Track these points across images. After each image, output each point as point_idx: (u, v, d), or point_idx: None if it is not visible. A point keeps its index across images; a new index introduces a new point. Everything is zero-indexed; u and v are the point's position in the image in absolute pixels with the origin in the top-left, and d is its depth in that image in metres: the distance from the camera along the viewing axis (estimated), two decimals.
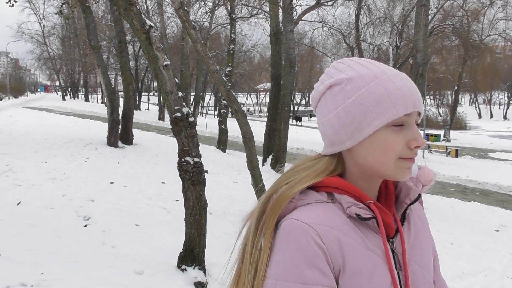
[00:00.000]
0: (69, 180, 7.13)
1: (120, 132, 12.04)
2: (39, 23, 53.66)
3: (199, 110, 43.53)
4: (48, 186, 6.56)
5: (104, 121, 21.24)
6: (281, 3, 11.82)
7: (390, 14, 29.45)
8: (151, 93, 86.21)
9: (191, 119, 3.66)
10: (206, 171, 9.86)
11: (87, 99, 55.57)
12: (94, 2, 11.76)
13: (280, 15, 12.02)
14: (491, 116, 74.78)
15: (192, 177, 3.63)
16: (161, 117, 35.46)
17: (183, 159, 3.63)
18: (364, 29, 29.27)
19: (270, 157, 12.45)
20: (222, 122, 15.94)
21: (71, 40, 53.93)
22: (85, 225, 4.99)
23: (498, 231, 8.24)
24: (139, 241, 4.58)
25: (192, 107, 36.27)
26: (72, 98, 59.17)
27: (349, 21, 29.61)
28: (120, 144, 11.89)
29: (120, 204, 6.06)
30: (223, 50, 41.45)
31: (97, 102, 59.51)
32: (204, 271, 3.88)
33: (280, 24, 11.84)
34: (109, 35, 38.75)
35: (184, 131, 3.61)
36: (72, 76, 60.89)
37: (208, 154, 13.77)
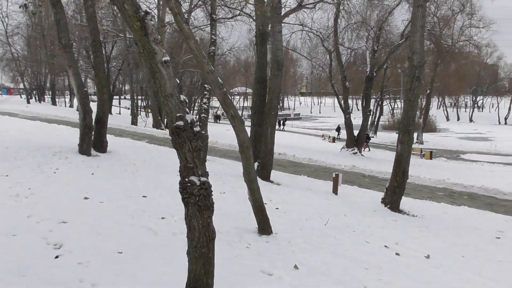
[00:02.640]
0: (36, 197, 6.20)
1: (93, 139, 11.07)
2: (2, 21, 51.07)
3: None
4: (9, 206, 5.63)
5: (75, 127, 20.00)
6: (266, 2, 11.19)
7: (367, 19, 29.37)
8: (122, 97, 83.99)
9: (197, 128, 2.93)
10: None
11: (54, 103, 53.30)
12: None
13: (268, 14, 11.37)
14: (458, 119, 76.87)
15: (199, 201, 2.90)
16: (134, 122, 34.21)
17: (187, 179, 2.89)
18: (342, 33, 29.10)
19: (256, 163, 11.76)
20: (202, 127, 15.12)
21: (38, 40, 51.65)
22: (56, 256, 4.13)
23: (499, 238, 7.85)
24: (127, 276, 3.77)
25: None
26: (38, 102, 56.61)
27: (328, 25, 29.35)
28: (93, 152, 10.93)
29: (97, 226, 5.21)
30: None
31: (65, 106, 57.30)
32: None
33: (269, 26, 11.19)
34: (79, 36, 37.15)
35: (188, 143, 2.87)
36: (38, 78, 58.30)
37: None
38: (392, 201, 9.12)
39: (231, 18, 19.12)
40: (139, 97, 48.73)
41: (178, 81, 3.03)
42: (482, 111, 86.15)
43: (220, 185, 9.65)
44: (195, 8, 21.45)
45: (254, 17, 20.94)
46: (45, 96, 61.36)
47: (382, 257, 5.30)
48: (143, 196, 7.19)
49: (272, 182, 11.54)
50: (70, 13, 36.38)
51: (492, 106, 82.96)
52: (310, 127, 62.56)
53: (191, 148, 2.87)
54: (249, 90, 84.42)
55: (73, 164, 9.28)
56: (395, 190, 9.13)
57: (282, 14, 19.19)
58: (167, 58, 2.96)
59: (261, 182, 11.29)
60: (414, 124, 9.29)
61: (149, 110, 53.74)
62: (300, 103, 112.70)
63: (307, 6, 22.14)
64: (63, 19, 10.11)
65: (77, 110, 10.64)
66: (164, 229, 5.45)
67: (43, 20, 50.00)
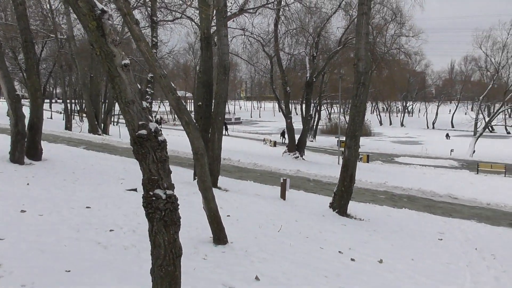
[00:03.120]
0: None
1: (27, 146, 10.24)
2: None
3: (111, 119, 40.67)
4: None
5: (2, 133, 18.50)
6: (212, 5, 11.05)
7: (306, 25, 30.12)
8: (53, 100, 79.34)
9: (161, 137, 2.74)
10: (135, 190, 8.65)
11: None
12: None
13: (212, 17, 11.23)
14: (391, 123, 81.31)
15: (165, 216, 2.71)
16: (68, 127, 32.38)
17: (151, 193, 2.69)
18: (282, 38, 29.62)
19: None
20: None
21: None
22: None
23: (441, 239, 8.30)
24: None
25: (102, 116, 33.71)
26: None
27: (268, 30, 29.70)
28: (26, 160, 10.11)
29: (39, 242, 4.78)
30: (136, 56, 39.42)
31: None
32: None
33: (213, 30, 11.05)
34: (4, 36, 34.53)
35: (152, 154, 2.68)
36: None
37: (131, 168, 12.45)
38: (340, 206, 9.33)
39: (171, 21, 18.72)
40: (72, 101, 46.31)
41: (139, 86, 2.82)
42: (412, 116, 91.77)
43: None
44: (133, 9, 20.76)
45: (196, 20, 20.71)
46: None
47: (338, 264, 5.36)
48: (87, 207, 6.74)
49: (219, 188, 11.37)
50: None
51: (419, 111, 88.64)
52: (251, 131, 63.09)
53: (155, 159, 2.68)
54: (189, 94, 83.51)
55: (4, 174, 8.51)
56: (342, 195, 9.35)
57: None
58: (127, 61, 2.75)
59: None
60: (361, 129, 9.59)
61: (84, 115, 51.30)
62: (240, 107, 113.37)
63: (249, 11, 22.26)
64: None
65: (8, 115, 9.81)
66: (114, 242, 5.12)
67: None
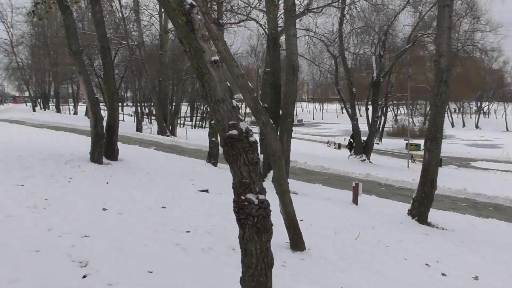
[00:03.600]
0: (53, 208, 5.86)
1: (104, 147, 10.74)
2: (7, 31, 51.04)
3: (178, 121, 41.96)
4: (28, 218, 5.28)
5: (81, 134, 19.73)
6: (281, 4, 10.90)
7: (372, 23, 29.07)
8: (125, 104, 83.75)
9: (253, 138, 2.58)
10: (207, 191, 8.68)
11: (58, 110, 53.13)
12: (75, 1, 10.49)
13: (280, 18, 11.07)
14: (464, 125, 76.27)
15: (257, 223, 2.55)
16: (139, 129, 33.91)
17: (243, 197, 2.54)
18: (347, 38, 28.83)
19: (272, 172, 11.41)
20: (213, 134, 14.78)
21: (41, 49, 51.63)
22: (84, 276, 3.78)
23: None
24: None
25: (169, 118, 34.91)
26: (43, 109, 56.51)
27: (332, 30, 29.09)
28: (104, 160, 10.59)
29: (121, 241, 4.86)
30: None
31: (69, 113, 57.17)
32: None
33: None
34: (82, 44, 37.01)
35: (243, 156, 2.53)
36: (42, 86, 58.28)
37: (201, 170, 12.62)
38: (420, 213, 8.72)
39: (237, 24, 18.82)
40: (142, 104, 48.54)
41: (228, 84, 2.69)
42: (488, 117, 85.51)
43: None
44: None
45: (262, 22, 20.67)
46: (49, 104, 61.25)
47: (427, 278, 4.92)
48: (162, 207, 6.83)
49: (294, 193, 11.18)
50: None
51: (495, 112, 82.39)
52: (314, 133, 62.22)
53: (247, 161, 2.53)
54: None
55: (86, 173, 8.94)
56: (422, 201, 8.73)
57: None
58: (216, 57, 2.63)
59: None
60: (442, 131, 8.93)
61: (153, 117, 53.56)
62: (302, 109, 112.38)
63: (313, 10, 21.87)
64: (73, 25, 9.82)
65: (88, 117, 10.33)
66: (191, 244, 5.09)
67: (45, 29, 50.08)
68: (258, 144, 2.69)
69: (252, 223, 2.54)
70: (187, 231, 5.57)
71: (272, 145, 4.89)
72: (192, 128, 55.01)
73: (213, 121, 15.12)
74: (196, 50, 2.58)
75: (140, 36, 30.09)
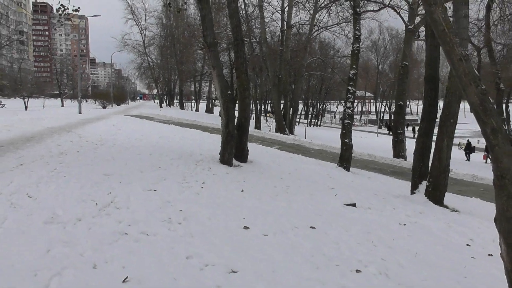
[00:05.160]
0: (190, 224, 4.94)
1: (234, 147, 9.92)
2: (141, 33, 55.63)
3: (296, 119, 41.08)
4: (164, 236, 4.41)
5: (204, 131, 19.72)
6: None
7: None
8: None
9: None
10: (354, 205, 7.12)
11: (182, 107, 56.32)
12: None
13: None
14: None
15: None
16: (257, 126, 33.77)
17: None
18: (494, 26, 24.84)
19: (424, 183, 9.50)
20: (346, 135, 13.22)
21: (168, 50, 55.17)
22: None
23: None
24: None
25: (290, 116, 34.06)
26: (168, 106, 60.55)
27: (477, 18, 25.35)
28: (234, 161, 9.78)
29: (277, 281, 3.65)
30: (317, 55, 38.67)
31: (191, 109, 60.27)
32: None
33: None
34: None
35: None
36: (168, 84, 62.48)
37: (335, 175, 11.16)
38: None
39: (376, 11, 16.91)
40: (262, 101, 48.77)
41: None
42: None
43: (391, 211, 7.61)
44: (333, 4, 19.66)
45: (404, 8, 18.39)
46: (174, 101, 65.47)
47: None
48: (311, 227, 5.55)
49: (446, 207, 9.13)
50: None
51: None
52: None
53: None
54: (369, 94, 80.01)
55: (217, 176, 8.12)
56: None
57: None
58: None
59: (432, 207, 9.00)
60: None
61: (270, 115, 53.60)
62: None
63: None
64: (209, 15, 9.11)
65: (220, 115, 9.57)
66: None
67: (174, 30, 53.25)
68: None
69: None
70: (357, 270, 4.17)
71: (504, 162, 3.23)
72: (307, 126, 53.88)
73: (346, 120, 13.59)
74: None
75: (263, 32, 29.67)
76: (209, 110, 54.98)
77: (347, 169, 13.08)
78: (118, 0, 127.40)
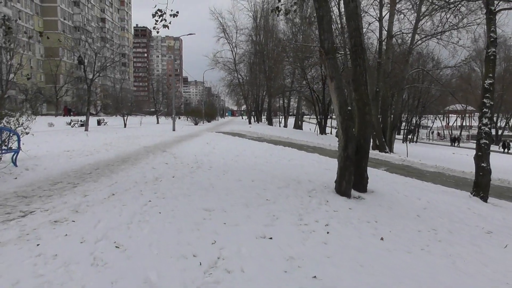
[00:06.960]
0: None
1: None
2: (231, 51, 56.33)
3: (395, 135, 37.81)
4: None
5: (300, 149, 18.14)
6: None
7: None
8: (329, 116, 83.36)
9: None
10: None
11: (270, 123, 55.65)
12: None
13: None
14: None
15: None
16: (375, 147, 31.07)
17: None
18: None
19: None
20: (483, 157, 10.72)
21: (257, 66, 55.12)
22: None
23: None
24: None
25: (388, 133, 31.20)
26: (256, 122, 60.37)
27: None
28: (353, 192, 8.00)
29: None
30: (419, 66, 35.48)
31: (279, 125, 59.39)
32: None
33: None
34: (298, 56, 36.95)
35: None
36: (257, 100, 62.51)
37: (478, 210, 8.83)
38: None
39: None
40: None
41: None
42: None
43: None
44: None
45: None
46: (262, 117, 65.26)
47: None
48: None
49: None
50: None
51: None
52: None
53: None
54: (470, 108, 72.53)
55: (340, 214, 6.41)
56: None
57: None
58: None
59: None
60: None
61: None
62: None
63: None
64: (328, 15, 7.57)
65: (337, 136, 7.85)
66: None
67: (263, 47, 53.11)
68: None
69: None
70: None
71: None
72: (403, 142, 49.84)
73: (483, 140, 11.11)
74: None
75: (362, 42, 27.51)
76: (297, 126, 53.55)
77: (485, 199, 10.57)
78: (210, 20, 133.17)
